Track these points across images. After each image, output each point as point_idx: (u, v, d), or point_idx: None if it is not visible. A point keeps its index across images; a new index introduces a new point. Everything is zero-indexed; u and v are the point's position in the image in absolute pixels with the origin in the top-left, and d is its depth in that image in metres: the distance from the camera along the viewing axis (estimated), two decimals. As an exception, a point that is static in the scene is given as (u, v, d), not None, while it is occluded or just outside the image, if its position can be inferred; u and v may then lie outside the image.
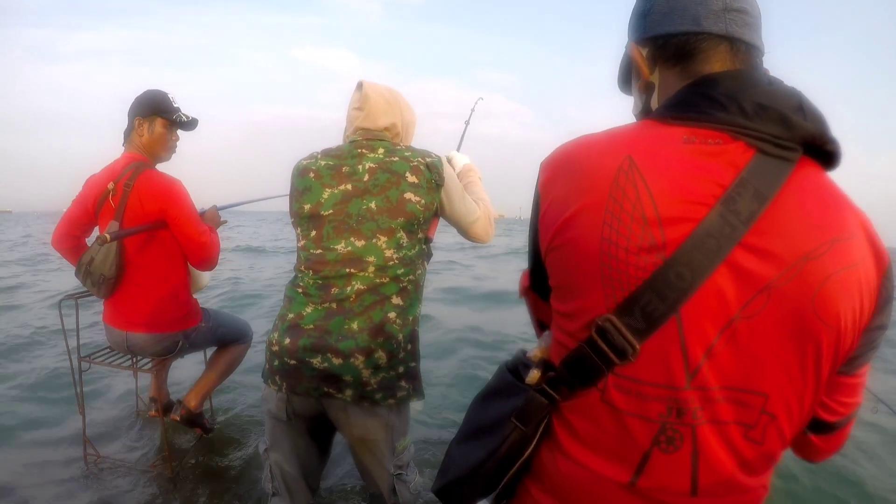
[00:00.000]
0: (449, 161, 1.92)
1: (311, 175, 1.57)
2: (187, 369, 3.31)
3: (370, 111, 1.61)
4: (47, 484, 2.26)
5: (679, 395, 0.67)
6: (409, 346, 1.55)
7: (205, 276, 2.52)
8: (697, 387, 0.66)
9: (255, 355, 3.14)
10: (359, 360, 1.46)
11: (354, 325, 1.47)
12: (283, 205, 1.70)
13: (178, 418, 2.45)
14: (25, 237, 19.97)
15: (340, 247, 1.51)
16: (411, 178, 1.51)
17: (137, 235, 2.16)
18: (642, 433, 0.69)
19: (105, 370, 3.04)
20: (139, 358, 2.43)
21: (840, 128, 0.70)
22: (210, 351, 2.66)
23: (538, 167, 0.79)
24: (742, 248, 0.63)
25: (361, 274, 1.49)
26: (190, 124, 2.34)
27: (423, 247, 1.62)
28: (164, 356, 2.38)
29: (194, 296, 2.43)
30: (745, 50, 0.71)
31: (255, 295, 6.96)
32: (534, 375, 0.79)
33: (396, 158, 1.54)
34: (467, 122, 2.46)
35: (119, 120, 2.29)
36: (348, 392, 1.49)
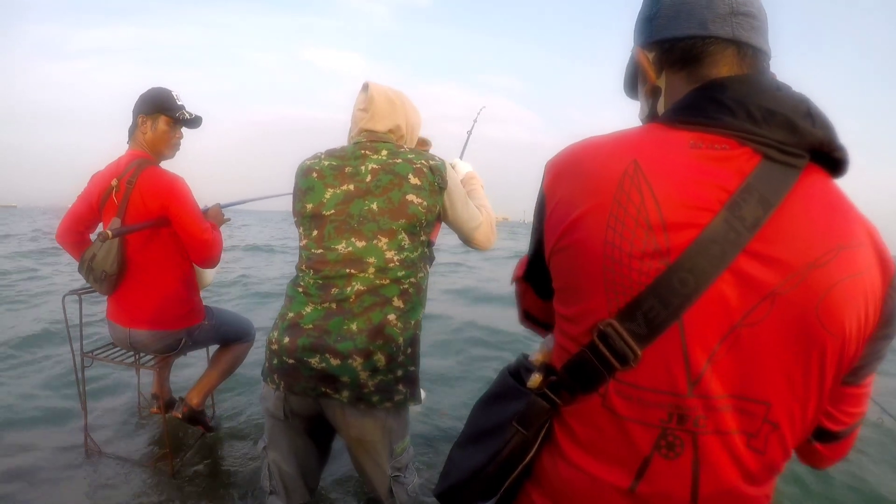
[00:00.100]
0: (452, 168, 1.93)
1: (314, 175, 1.57)
2: (190, 367, 3.32)
3: (375, 113, 1.61)
4: (47, 478, 2.27)
5: (681, 402, 0.66)
6: (409, 350, 1.54)
7: (209, 275, 2.53)
8: (699, 394, 0.66)
9: (259, 353, 3.14)
10: (357, 362, 1.46)
11: (354, 327, 1.47)
12: (287, 205, 1.71)
13: (180, 416, 2.45)
14: (35, 231, 20.08)
15: (341, 247, 1.51)
16: (414, 180, 1.51)
17: (140, 232, 2.17)
18: (643, 439, 0.69)
19: (108, 366, 3.05)
20: (142, 355, 2.43)
21: (847, 135, 0.70)
22: (213, 349, 2.66)
23: (543, 168, 0.78)
24: (746, 255, 0.63)
25: (362, 275, 1.49)
26: (193, 122, 2.34)
27: (426, 250, 1.62)
28: (167, 353, 2.39)
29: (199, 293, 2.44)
30: (752, 54, 0.71)
31: (267, 294, 6.96)
32: (535, 379, 0.79)
33: (399, 160, 1.54)
34: (469, 132, 2.46)
35: (124, 117, 2.30)
36: (345, 393, 1.49)
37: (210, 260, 2.30)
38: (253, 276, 8.79)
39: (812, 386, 0.66)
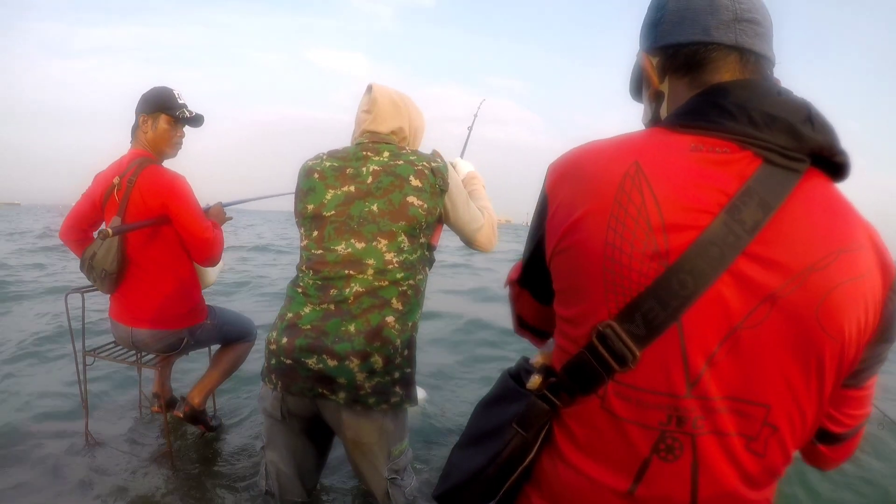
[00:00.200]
0: (453, 168, 1.92)
1: (316, 176, 1.58)
2: (193, 363, 3.32)
3: (378, 114, 1.61)
4: (47, 475, 2.27)
5: (679, 404, 0.66)
6: (406, 352, 1.54)
7: (212, 274, 2.53)
8: (698, 396, 0.66)
9: (261, 353, 3.14)
10: (353, 363, 1.46)
11: (352, 328, 1.47)
12: (288, 205, 1.71)
13: (181, 415, 2.46)
14: (45, 227, 20.14)
15: (341, 248, 1.51)
16: (415, 182, 1.51)
17: (141, 231, 2.18)
18: (642, 441, 0.69)
19: (110, 365, 3.05)
20: (144, 354, 2.44)
21: (847, 135, 0.70)
22: (214, 348, 2.67)
23: (545, 170, 0.79)
24: (746, 257, 0.63)
25: (360, 276, 1.49)
26: (194, 120, 2.35)
27: (426, 252, 1.62)
28: (169, 353, 2.39)
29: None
30: (754, 60, 0.71)
31: (276, 295, 6.95)
32: (535, 381, 0.79)
33: (401, 162, 1.54)
34: (470, 128, 2.41)
35: (125, 116, 2.31)
36: (341, 394, 1.49)
37: (211, 259, 2.30)
38: (264, 275, 8.81)
39: (812, 389, 0.66)
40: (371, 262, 1.49)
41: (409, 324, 1.54)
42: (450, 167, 1.61)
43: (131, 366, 2.51)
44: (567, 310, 0.74)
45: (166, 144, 2.29)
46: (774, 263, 0.63)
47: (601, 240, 0.67)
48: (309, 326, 1.50)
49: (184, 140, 2.36)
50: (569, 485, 0.75)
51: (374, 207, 1.51)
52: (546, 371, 0.79)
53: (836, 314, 0.63)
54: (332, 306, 1.50)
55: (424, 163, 1.54)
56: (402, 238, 1.51)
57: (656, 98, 0.79)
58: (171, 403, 2.56)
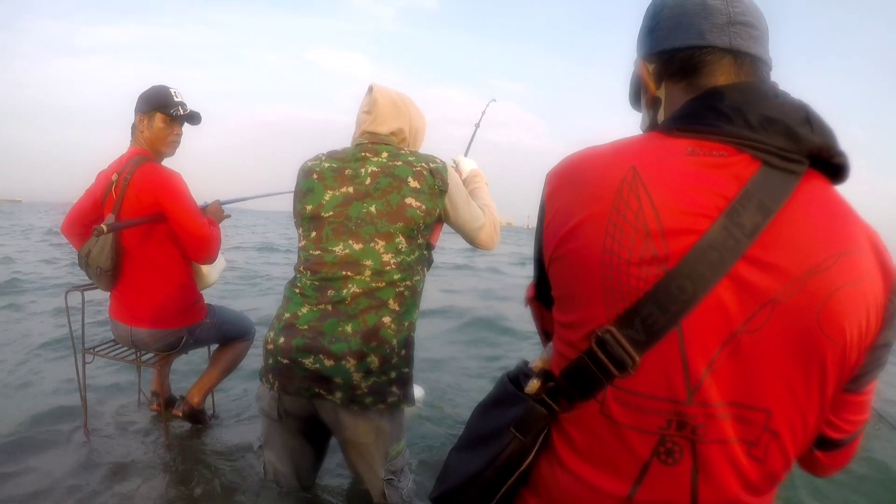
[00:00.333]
0: (456, 165, 1.91)
1: (315, 176, 1.58)
2: (192, 366, 3.32)
3: (378, 115, 1.61)
4: (45, 474, 2.27)
5: (680, 410, 0.66)
6: (403, 352, 1.54)
7: (213, 274, 2.53)
8: (699, 402, 0.65)
9: (260, 352, 3.14)
10: (350, 364, 1.46)
11: (349, 328, 1.47)
12: (288, 205, 1.71)
13: (180, 414, 2.46)
14: (53, 223, 20.22)
15: (338, 249, 1.51)
16: (413, 183, 1.51)
17: (137, 229, 2.18)
18: (641, 445, 0.68)
19: (110, 362, 3.05)
20: (143, 352, 2.44)
21: (851, 142, 0.69)
22: (213, 347, 2.67)
23: (545, 177, 0.79)
24: (745, 261, 0.62)
25: (358, 277, 1.49)
26: (190, 118, 2.34)
27: (424, 253, 1.62)
28: (168, 352, 2.39)
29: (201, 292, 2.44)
30: (749, 63, 0.71)
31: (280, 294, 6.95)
32: (533, 385, 0.78)
33: (400, 163, 1.53)
34: (477, 125, 2.38)
35: (128, 115, 2.32)
36: (338, 394, 1.49)
37: (207, 257, 2.30)
38: (270, 274, 8.82)
39: (813, 394, 0.65)
40: (368, 263, 1.49)
41: (406, 324, 1.54)
42: (449, 167, 1.60)
43: (130, 364, 2.51)
44: (566, 315, 0.74)
45: (162, 143, 2.29)
46: (774, 267, 0.62)
47: (599, 246, 0.67)
48: (306, 327, 1.50)
49: (182, 139, 2.37)
50: (567, 490, 0.74)
51: (373, 209, 1.50)
52: (545, 375, 0.79)
53: (837, 317, 0.62)
54: (330, 307, 1.50)
55: (423, 164, 1.54)
56: (400, 239, 1.51)
57: (653, 104, 0.79)
58: (170, 402, 2.56)
